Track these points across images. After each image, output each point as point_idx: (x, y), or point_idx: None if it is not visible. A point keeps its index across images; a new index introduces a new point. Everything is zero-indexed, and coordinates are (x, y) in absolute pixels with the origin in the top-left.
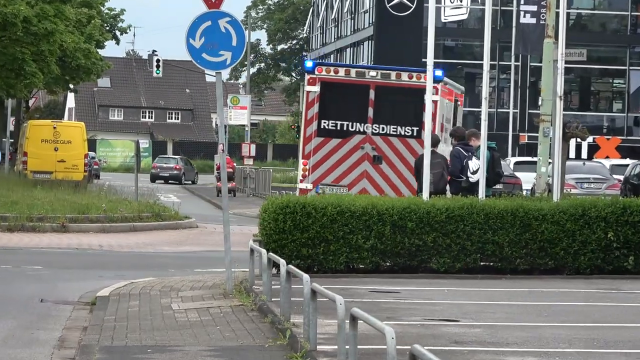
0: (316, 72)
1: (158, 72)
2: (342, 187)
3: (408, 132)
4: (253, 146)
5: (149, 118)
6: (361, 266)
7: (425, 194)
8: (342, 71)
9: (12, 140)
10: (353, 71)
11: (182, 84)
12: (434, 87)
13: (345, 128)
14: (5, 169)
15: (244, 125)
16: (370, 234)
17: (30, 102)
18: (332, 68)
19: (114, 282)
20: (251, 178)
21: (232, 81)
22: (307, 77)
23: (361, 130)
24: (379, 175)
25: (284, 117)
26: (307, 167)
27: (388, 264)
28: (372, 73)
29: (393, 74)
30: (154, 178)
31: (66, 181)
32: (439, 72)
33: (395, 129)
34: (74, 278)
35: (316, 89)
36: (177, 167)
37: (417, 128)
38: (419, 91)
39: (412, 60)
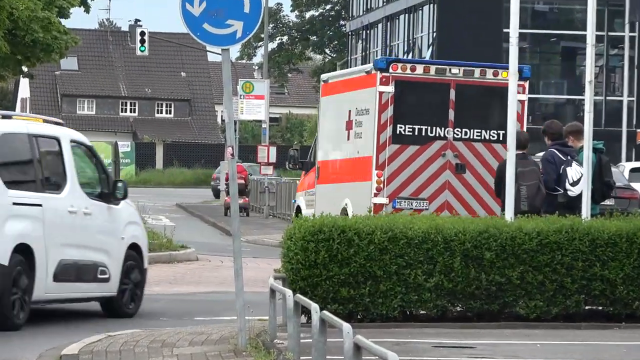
0: (390, 70)
1: (143, 49)
2: (422, 200)
3: (494, 137)
4: (273, 149)
5: (130, 112)
6: (422, 312)
7: (509, 213)
8: (419, 68)
9: None
10: (433, 68)
11: (176, 66)
12: (521, 86)
13: (423, 133)
14: None
15: (260, 121)
16: (433, 269)
17: None
18: (408, 65)
19: (84, 334)
20: (270, 193)
21: (243, 61)
22: (379, 75)
23: (442, 135)
24: (463, 187)
25: (314, 110)
26: (382, 178)
27: (458, 308)
28: (454, 70)
29: (477, 71)
30: (217, 193)
31: None
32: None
33: (479, 133)
34: (30, 328)
35: (390, 89)
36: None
37: (504, 132)
38: (505, 90)
39: (489, 32)
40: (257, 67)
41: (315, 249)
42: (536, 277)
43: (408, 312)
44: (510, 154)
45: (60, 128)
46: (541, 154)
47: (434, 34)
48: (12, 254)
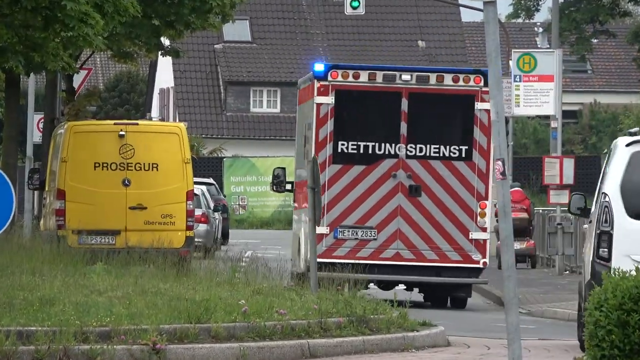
0: (329, 78)
1: (356, 4)
2: (369, 229)
3: (455, 153)
4: (570, 162)
5: None
6: None
7: None
8: (364, 75)
9: (38, 164)
10: (380, 75)
11: (409, 31)
12: (485, 92)
13: (370, 151)
14: (26, 226)
15: (547, 118)
16: None
17: (77, 80)
18: (350, 72)
19: None
20: (565, 234)
21: (519, 20)
22: (316, 84)
23: (392, 152)
24: (418, 212)
25: (634, 96)
26: (322, 204)
27: None
28: (405, 77)
29: (433, 77)
30: None
31: (153, 251)
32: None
33: (437, 149)
34: None
35: (330, 100)
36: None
37: (466, 147)
38: (468, 98)
39: None
40: (541, 31)
41: None
42: None
43: None
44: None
45: None
46: None
47: None
48: None
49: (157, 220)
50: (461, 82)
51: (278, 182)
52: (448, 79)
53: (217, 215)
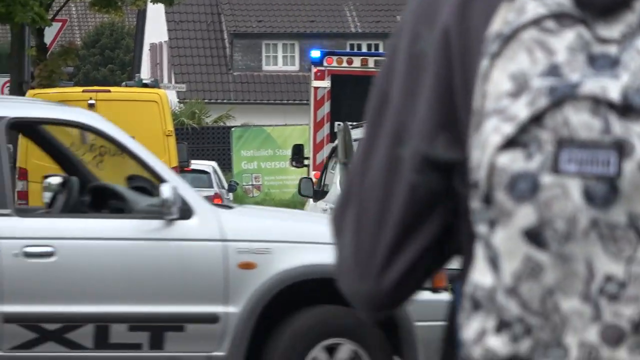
0: (325, 64)
1: None
2: None
3: None
4: None
5: (366, 64)
6: None
7: None
8: (357, 61)
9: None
10: (371, 60)
11: None
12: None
13: None
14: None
15: None
16: None
17: (49, 35)
18: (344, 58)
19: None
20: None
21: None
22: (314, 69)
23: None
24: None
25: None
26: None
27: None
28: None
29: None
30: None
31: None
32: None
33: None
34: None
35: (326, 84)
36: None
37: None
38: None
39: None
40: None
41: None
42: None
43: None
44: None
45: None
46: None
47: None
48: None
49: None
50: None
51: (298, 158)
52: None
53: (231, 196)
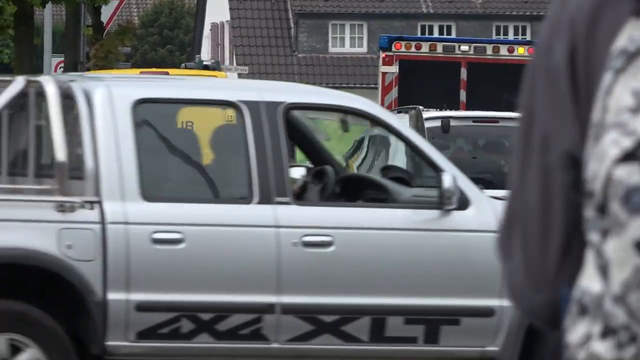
0: (393, 49)
1: None
2: None
3: None
4: None
5: (459, 50)
6: None
7: None
8: (425, 46)
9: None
10: (440, 46)
11: None
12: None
13: None
14: None
15: None
16: None
17: (106, 13)
18: (413, 43)
19: None
20: None
21: None
22: (381, 55)
23: None
24: None
25: None
26: None
27: None
28: (464, 47)
29: (489, 48)
30: None
31: None
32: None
33: None
34: None
35: (394, 69)
36: None
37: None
38: (522, 68)
39: None
40: None
41: None
42: None
43: None
44: None
45: None
46: None
47: None
48: None
49: None
50: (515, 53)
51: None
52: (504, 49)
53: None
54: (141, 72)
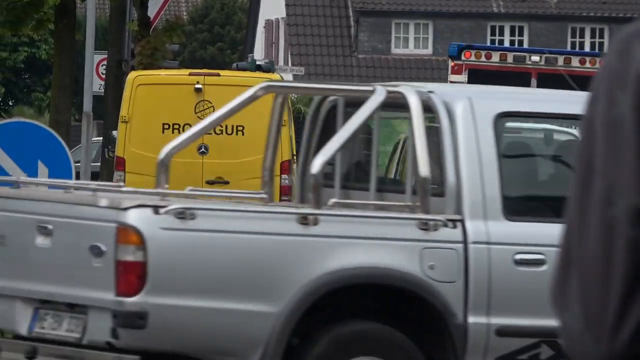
0: (463, 58)
1: None
2: None
3: None
4: None
5: (532, 58)
6: None
7: None
8: (495, 56)
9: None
10: (510, 56)
11: None
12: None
13: None
14: None
15: None
16: None
17: (153, 8)
18: (483, 52)
19: None
20: None
21: None
22: (450, 63)
23: None
24: None
25: None
26: None
27: None
28: (535, 58)
29: (561, 59)
30: None
31: None
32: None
33: None
34: None
35: (463, 78)
36: None
37: None
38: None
39: None
40: None
41: None
42: None
43: None
44: None
45: None
46: None
47: None
48: None
49: None
50: (587, 64)
51: None
52: (575, 60)
53: None
54: (190, 74)
